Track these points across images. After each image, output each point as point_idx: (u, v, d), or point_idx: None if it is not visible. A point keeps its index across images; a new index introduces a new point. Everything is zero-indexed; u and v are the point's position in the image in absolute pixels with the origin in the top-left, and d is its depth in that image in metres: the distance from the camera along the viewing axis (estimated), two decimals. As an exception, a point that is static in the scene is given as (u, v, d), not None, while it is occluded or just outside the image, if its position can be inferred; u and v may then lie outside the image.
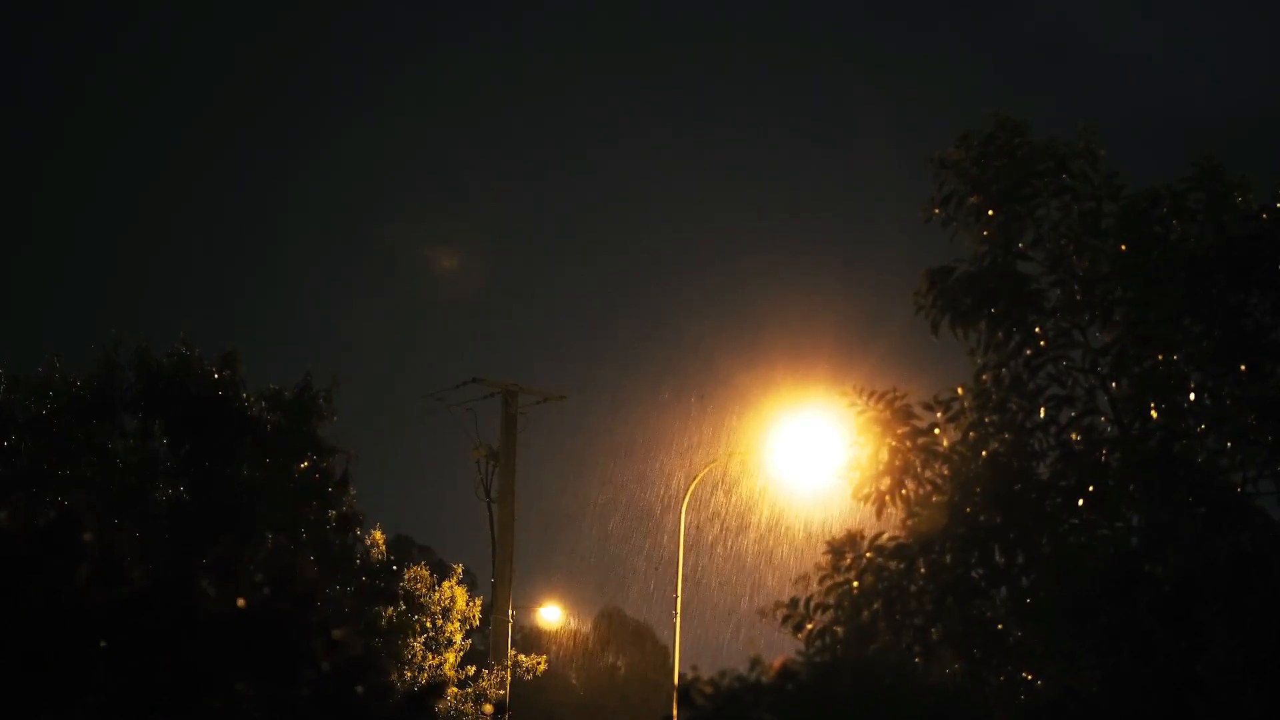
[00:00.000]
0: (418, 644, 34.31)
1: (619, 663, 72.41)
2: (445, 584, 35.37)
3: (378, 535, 32.98)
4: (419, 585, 34.82)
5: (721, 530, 44.69)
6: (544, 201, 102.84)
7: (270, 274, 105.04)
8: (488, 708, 34.82)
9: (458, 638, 35.43)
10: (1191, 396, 14.93)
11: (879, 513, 15.01)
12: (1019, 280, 15.26)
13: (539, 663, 37.01)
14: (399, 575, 33.66)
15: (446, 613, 35.27)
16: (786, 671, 10.22)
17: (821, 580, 14.73)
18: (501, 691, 35.87)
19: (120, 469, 29.71)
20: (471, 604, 36.21)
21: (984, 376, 15.14)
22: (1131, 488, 14.53)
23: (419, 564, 35.89)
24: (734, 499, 44.07)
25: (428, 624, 34.86)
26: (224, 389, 30.14)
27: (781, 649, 13.95)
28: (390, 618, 33.43)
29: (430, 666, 34.40)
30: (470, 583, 45.20)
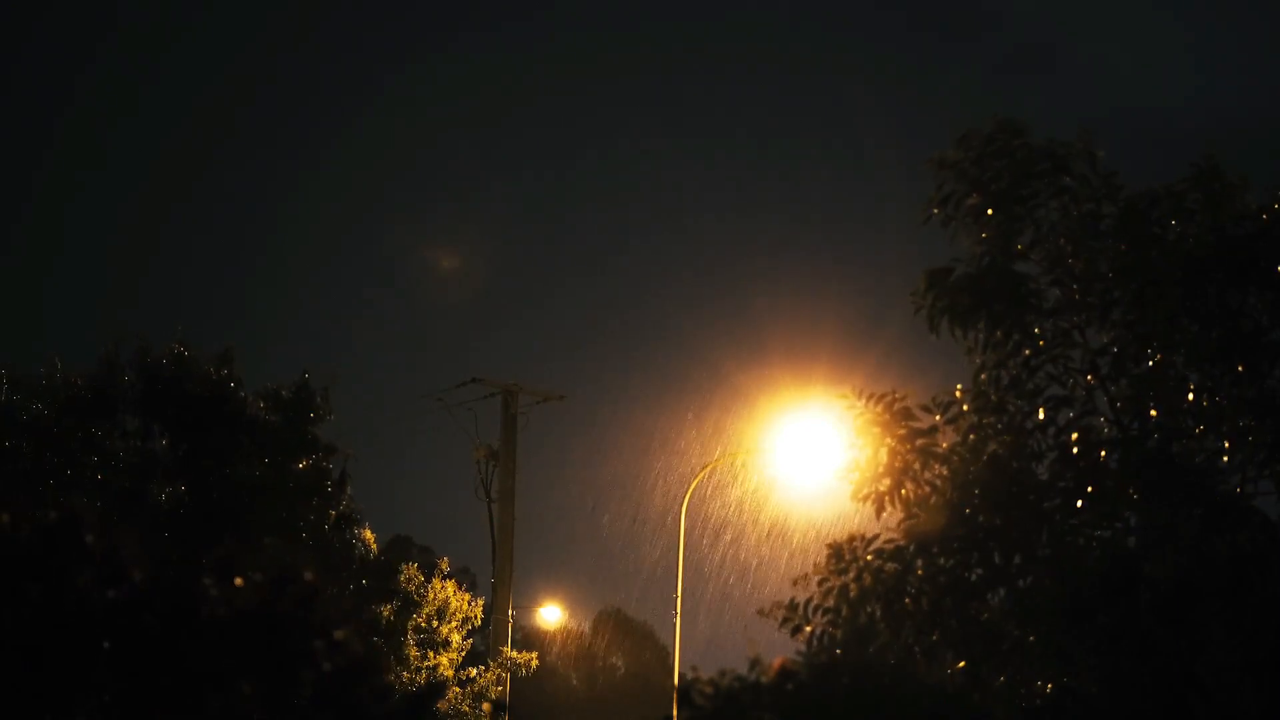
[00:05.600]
0: (411, 645, 34.24)
1: (619, 663, 72.45)
2: (435, 581, 35.30)
3: (368, 534, 32.89)
4: (410, 585, 34.78)
5: (721, 530, 44.73)
6: (544, 202, 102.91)
7: (270, 273, 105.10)
8: (486, 706, 34.81)
9: (455, 638, 35.38)
10: (1190, 397, 14.94)
11: (878, 514, 15.03)
12: (1018, 281, 15.25)
13: (531, 658, 37.01)
14: (393, 572, 33.65)
15: (441, 613, 35.22)
16: (786, 671, 10.24)
17: (820, 583, 14.74)
18: (500, 688, 35.87)
19: (120, 469, 29.73)
20: (473, 604, 36.16)
21: (982, 377, 15.15)
22: (1130, 488, 14.54)
23: (411, 563, 35.79)
24: (734, 499, 44.12)
25: (421, 623, 34.81)
26: (223, 389, 30.14)
27: (781, 649, 13.98)
28: (388, 617, 33.41)
29: (426, 668, 34.36)
30: (469, 582, 45.24)
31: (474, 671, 35.64)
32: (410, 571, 34.92)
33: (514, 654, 36.84)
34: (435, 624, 35.15)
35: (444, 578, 35.67)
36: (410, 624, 34.43)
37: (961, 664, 14.56)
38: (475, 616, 36.14)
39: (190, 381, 30.02)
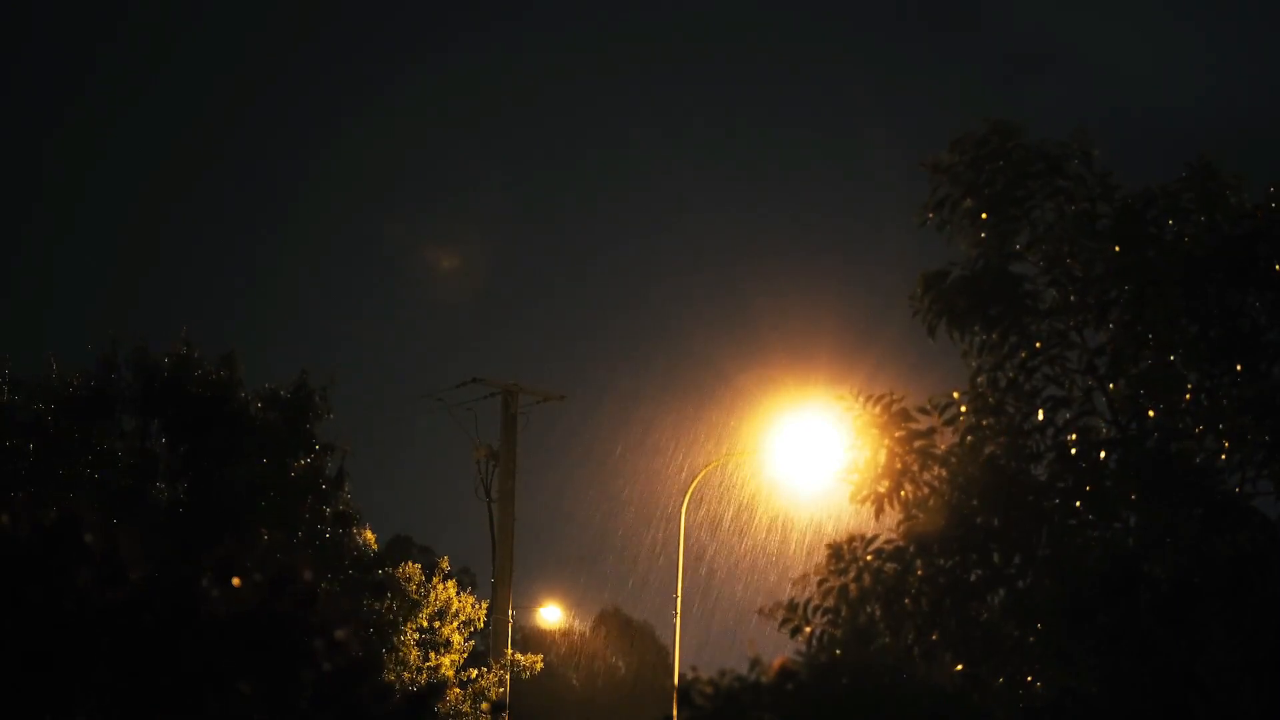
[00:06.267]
0: (410, 644, 34.18)
1: (619, 663, 72.41)
2: (435, 580, 35.24)
3: (368, 535, 32.87)
4: (410, 585, 34.72)
5: (721, 530, 44.74)
6: (544, 201, 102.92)
7: (270, 273, 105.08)
8: (485, 706, 34.80)
9: (456, 639, 35.34)
10: (1188, 397, 14.94)
11: (877, 515, 15.04)
12: (1014, 282, 15.24)
13: (535, 661, 36.99)
14: (385, 567, 33.64)
15: (442, 614, 35.17)
16: (786, 671, 10.24)
17: (820, 583, 14.75)
18: (501, 690, 35.85)
19: (120, 469, 29.77)
20: (477, 606, 36.10)
21: (980, 378, 15.14)
22: (1130, 488, 14.54)
23: (413, 561, 35.70)
24: (734, 499, 44.14)
25: (422, 623, 34.77)
26: (222, 389, 30.20)
27: (781, 649, 14.00)
28: (385, 611, 33.37)
29: (427, 669, 34.32)
30: (470, 582, 45.21)
31: (475, 672, 35.61)
32: (410, 569, 34.87)
33: (519, 656, 36.82)
34: (437, 625, 35.12)
35: (444, 578, 35.64)
36: (411, 625, 34.39)
37: (960, 665, 14.57)
38: (478, 619, 36.09)
39: (190, 381, 30.08)
